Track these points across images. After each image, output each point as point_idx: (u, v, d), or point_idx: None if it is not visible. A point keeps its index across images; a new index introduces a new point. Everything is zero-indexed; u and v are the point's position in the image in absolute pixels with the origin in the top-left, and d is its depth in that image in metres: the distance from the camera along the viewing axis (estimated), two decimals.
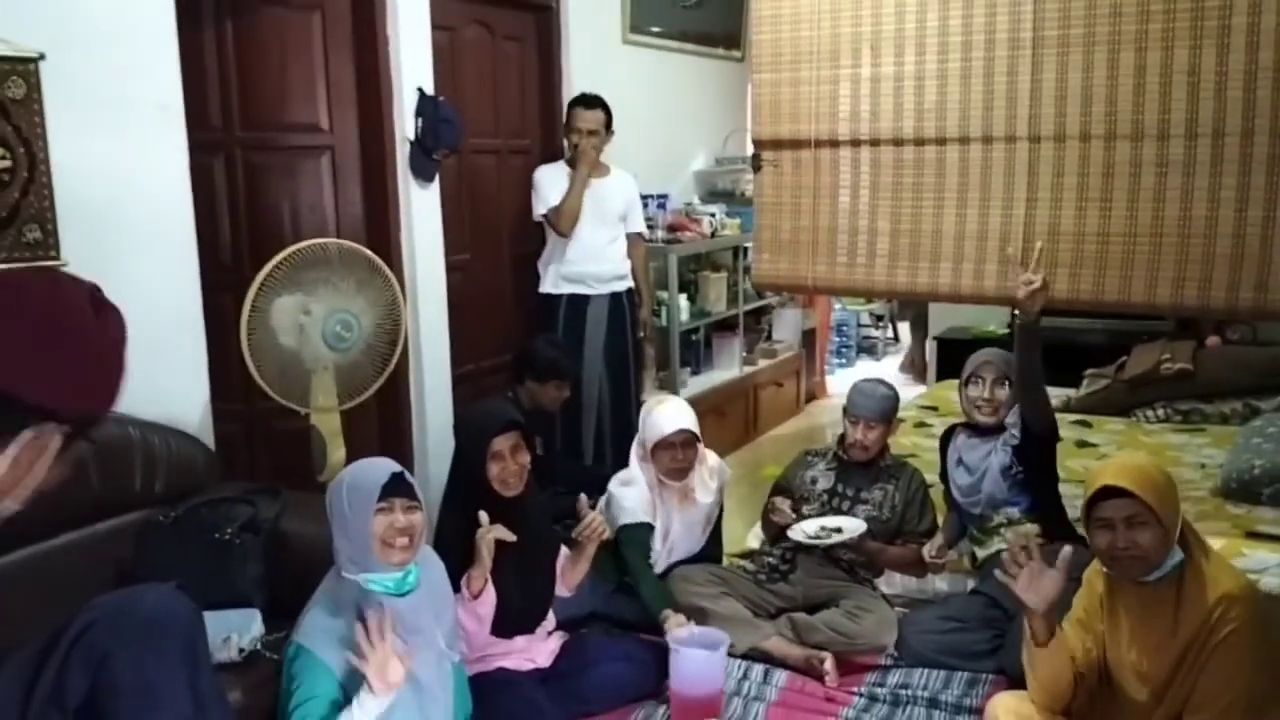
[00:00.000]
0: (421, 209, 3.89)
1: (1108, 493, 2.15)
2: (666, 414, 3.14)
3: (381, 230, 3.82)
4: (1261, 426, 3.85)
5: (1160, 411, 4.65)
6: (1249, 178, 2.72)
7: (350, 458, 3.08)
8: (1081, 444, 4.29)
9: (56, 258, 2.61)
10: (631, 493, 3.16)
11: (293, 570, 2.57)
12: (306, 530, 2.65)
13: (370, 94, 3.75)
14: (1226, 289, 2.77)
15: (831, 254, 3.34)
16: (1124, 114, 2.89)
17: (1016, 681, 2.57)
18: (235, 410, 3.36)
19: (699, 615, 2.99)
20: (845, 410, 3.25)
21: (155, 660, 1.66)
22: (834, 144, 3.34)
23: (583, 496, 2.90)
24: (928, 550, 3.13)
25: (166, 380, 2.87)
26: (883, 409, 3.18)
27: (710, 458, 3.33)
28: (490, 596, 2.59)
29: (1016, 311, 2.88)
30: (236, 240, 3.55)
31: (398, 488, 2.18)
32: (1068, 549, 2.32)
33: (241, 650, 2.31)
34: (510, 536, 2.56)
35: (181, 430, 2.81)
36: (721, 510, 3.43)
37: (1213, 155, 2.77)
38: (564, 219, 4.22)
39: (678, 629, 2.78)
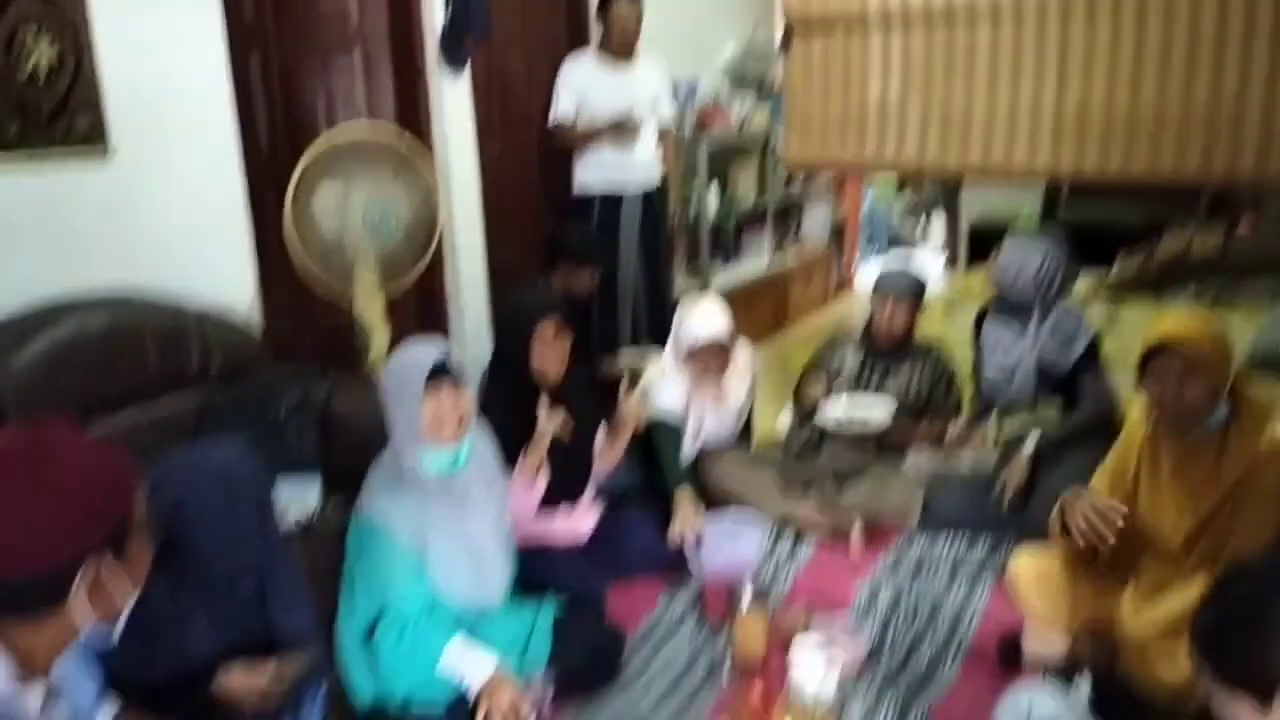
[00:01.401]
0: (453, 101, 3.93)
1: (1161, 347, 2.19)
2: (701, 320, 3.17)
3: (414, 124, 3.86)
4: None
5: (1190, 292, 4.65)
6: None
7: (394, 344, 3.19)
8: (1112, 323, 4.31)
9: (107, 147, 2.69)
10: (667, 390, 3.22)
11: (344, 447, 2.70)
12: (355, 410, 2.77)
13: None
14: (1256, 157, 2.76)
15: (861, 133, 3.35)
16: None
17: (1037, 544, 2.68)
18: (281, 301, 3.47)
19: (731, 489, 3.11)
20: (874, 290, 3.29)
21: (227, 508, 1.78)
22: (864, 22, 3.31)
23: (624, 383, 2.98)
24: (952, 430, 3.21)
25: (216, 267, 2.98)
26: (911, 288, 3.23)
27: (742, 354, 3.38)
28: (543, 477, 2.71)
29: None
30: (274, 134, 3.60)
31: (443, 370, 2.25)
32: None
33: (303, 516, 2.44)
34: (566, 433, 2.66)
35: (232, 317, 2.92)
36: (752, 396, 3.52)
37: (1244, 27, 2.74)
38: (565, 148, 4.24)
39: (694, 520, 2.86)
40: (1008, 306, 3.16)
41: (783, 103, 3.65)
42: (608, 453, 2.96)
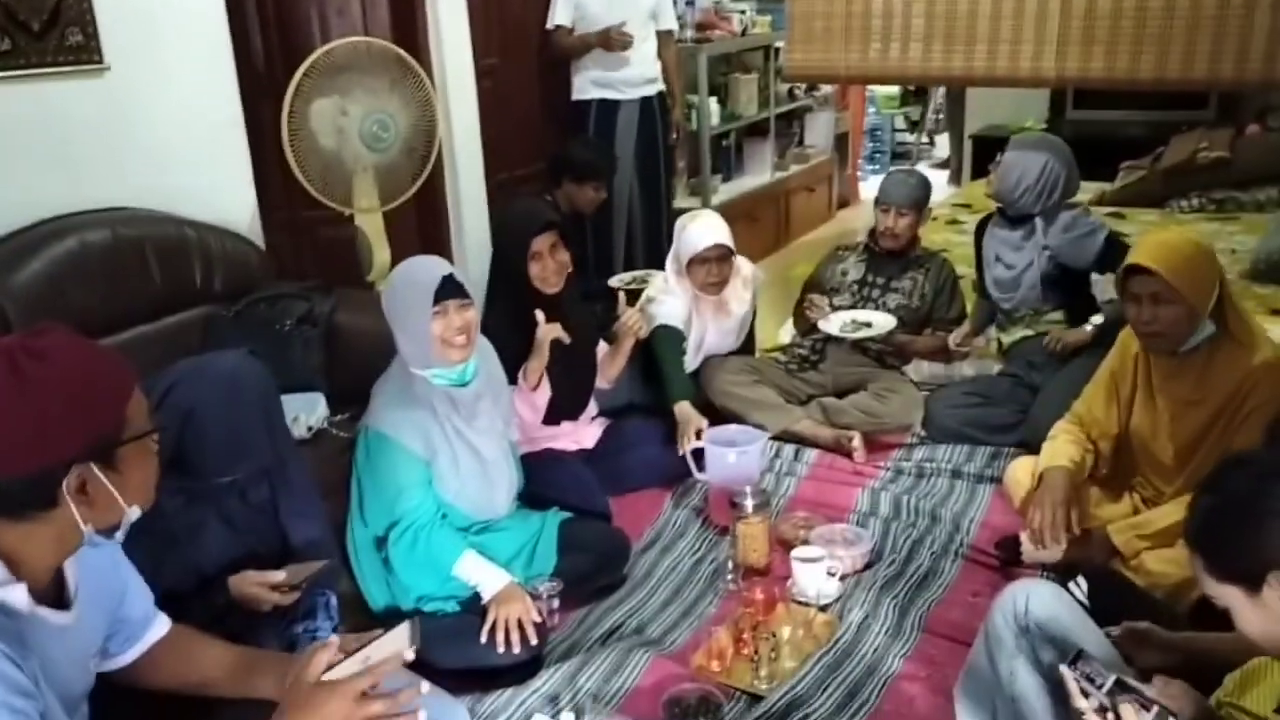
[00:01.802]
0: (448, 12, 3.86)
1: (1137, 268, 2.20)
2: (701, 229, 3.14)
3: (409, 33, 3.80)
4: None
5: (1195, 201, 4.63)
6: None
7: (394, 258, 3.19)
8: (1116, 234, 4.29)
9: (99, 61, 2.66)
10: (668, 304, 3.20)
11: (349, 359, 2.72)
12: (359, 323, 2.79)
13: None
14: (1264, 60, 2.72)
15: (865, 41, 3.30)
16: None
17: (1034, 452, 2.70)
18: (281, 219, 3.46)
19: (732, 403, 3.13)
20: (876, 200, 3.28)
21: (236, 414, 1.80)
22: None
23: (622, 295, 2.98)
24: (953, 338, 3.22)
25: (215, 182, 2.97)
26: (914, 196, 3.21)
27: (744, 267, 3.36)
28: (545, 388, 2.74)
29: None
30: (269, 49, 3.56)
31: (449, 289, 2.24)
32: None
33: (310, 429, 2.47)
34: (566, 338, 2.68)
35: (235, 231, 2.92)
36: (754, 308, 3.52)
37: None
38: (560, 55, 4.17)
39: (695, 429, 2.85)
40: (1009, 216, 3.15)
41: (785, 10, 3.57)
42: (609, 366, 2.98)
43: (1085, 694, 1.48)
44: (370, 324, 2.57)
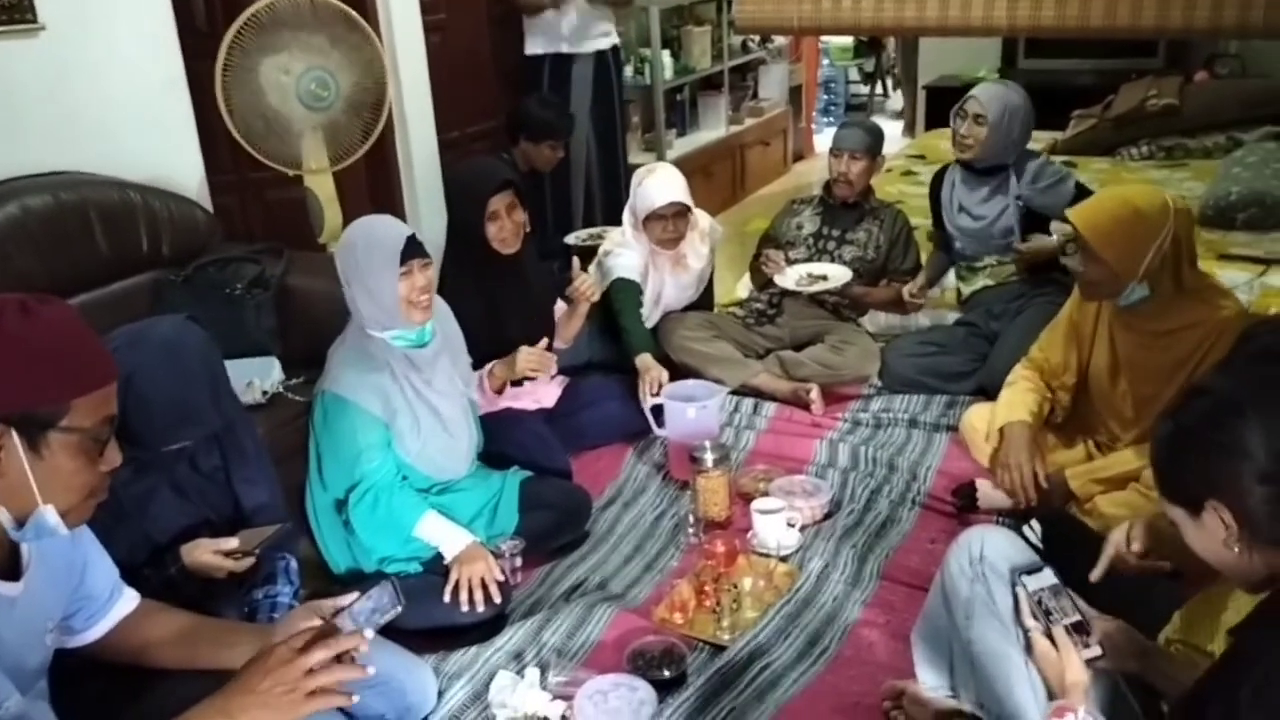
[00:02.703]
0: None
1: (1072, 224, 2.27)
2: (657, 185, 3.11)
3: None
4: (1242, 156, 3.90)
5: (1144, 149, 4.67)
6: None
7: (346, 219, 3.14)
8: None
9: (34, 20, 2.58)
10: (624, 255, 3.19)
11: (303, 322, 2.69)
12: (312, 286, 2.75)
13: None
14: (1212, 9, 2.74)
15: None
16: None
17: (989, 399, 2.74)
18: (229, 181, 3.39)
19: (690, 359, 3.14)
20: (831, 147, 3.27)
21: (178, 379, 1.77)
22: None
23: (575, 259, 2.97)
24: (908, 290, 3.24)
25: (159, 145, 2.90)
26: (866, 141, 3.21)
27: (702, 220, 3.34)
28: (507, 391, 2.73)
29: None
30: (210, 5, 3.47)
31: (413, 248, 2.23)
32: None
33: (265, 393, 2.44)
34: (550, 370, 2.67)
35: (181, 194, 2.86)
36: (712, 263, 3.51)
37: None
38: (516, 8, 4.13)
39: (656, 381, 2.86)
40: (977, 168, 3.10)
41: None
42: (566, 327, 2.97)
43: (1034, 615, 1.54)
44: (323, 286, 2.54)
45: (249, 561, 1.88)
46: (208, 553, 1.83)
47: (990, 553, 1.70)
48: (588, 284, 2.89)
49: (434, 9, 4.07)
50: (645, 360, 2.94)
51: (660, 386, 2.85)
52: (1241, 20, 2.70)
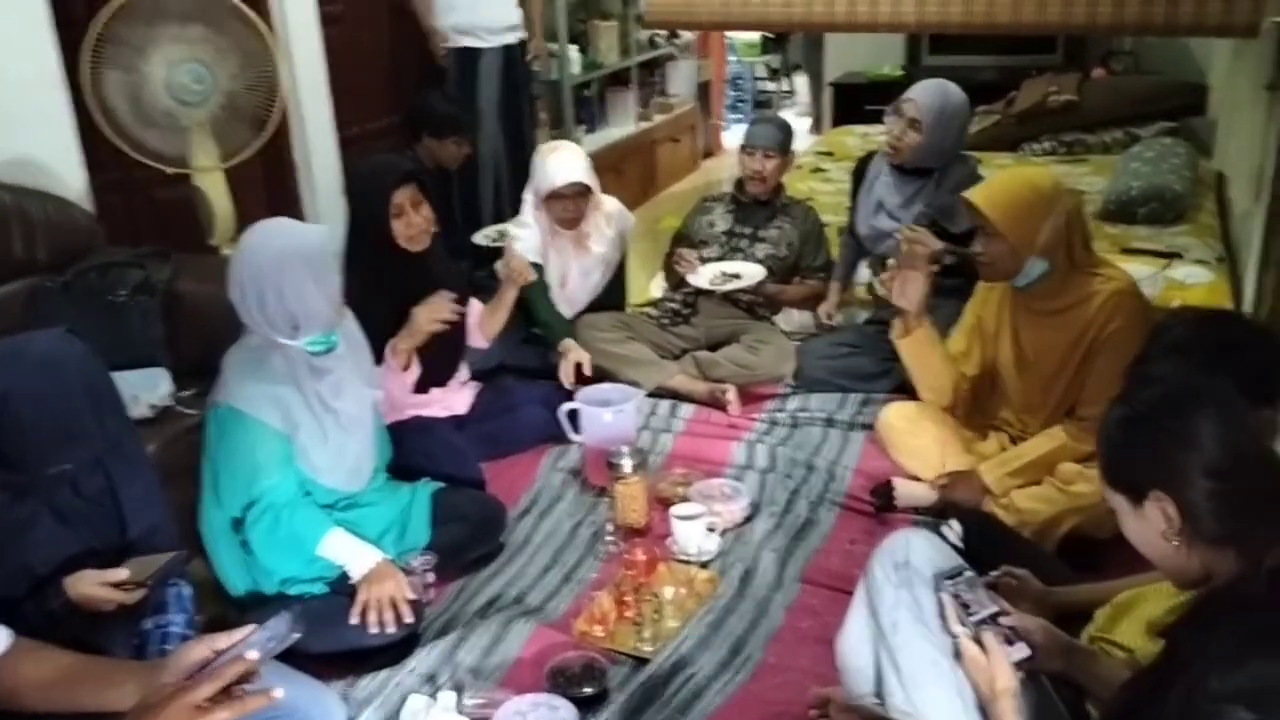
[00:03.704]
0: None
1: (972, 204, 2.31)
2: (558, 163, 3.06)
3: None
4: (1140, 151, 3.99)
5: (1046, 144, 4.76)
6: None
7: (239, 220, 3.00)
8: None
9: None
10: (525, 234, 3.15)
11: (193, 330, 2.55)
12: (203, 291, 2.60)
13: None
14: (1114, 6, 2.78)
15: None
16: None
17: (908, 398, 2.75)
18: (112, 179, 3.20)
19: (605, 361, 3.09)
20: (741, 146, 3.23)
21: (58, 398, 1.64)
22: None
23: (509, 238, 2.95)
24: (823, 313, 3.25)
25: (34, 144, 2.72)
26: (778, 138, 3.18)
27: (608, 204, 3.30)
28: (415, 366, 2.63)
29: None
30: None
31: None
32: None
33: (153, 407, 2.30)
34: (452, 316, 2.56)
35: (58, 196, 2.68)
36: (624, 261, 3.46)
37: None
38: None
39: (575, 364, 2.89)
40: (906, 168, 3.06)
41: None
42: (488, 322, 2.88)
43: (961, 621, 1.52)
44: (215, 291, 2.37)
45: (141, 593, 1.75)
46: (94, 584, 1.70)
47: (915, 558, 1.67)
48: (522, 265, 2.81)
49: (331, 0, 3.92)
50: (567, 343, 2.93)
51: (581, 370, 2.85)
52: (1143, 17, 2.74)
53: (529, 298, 3.05)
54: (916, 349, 2.50)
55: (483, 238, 3.62)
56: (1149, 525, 1.26)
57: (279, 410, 2.12)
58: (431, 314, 2.55)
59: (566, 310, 3.24)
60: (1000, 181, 2.38)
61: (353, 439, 2.24)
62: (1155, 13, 2.73)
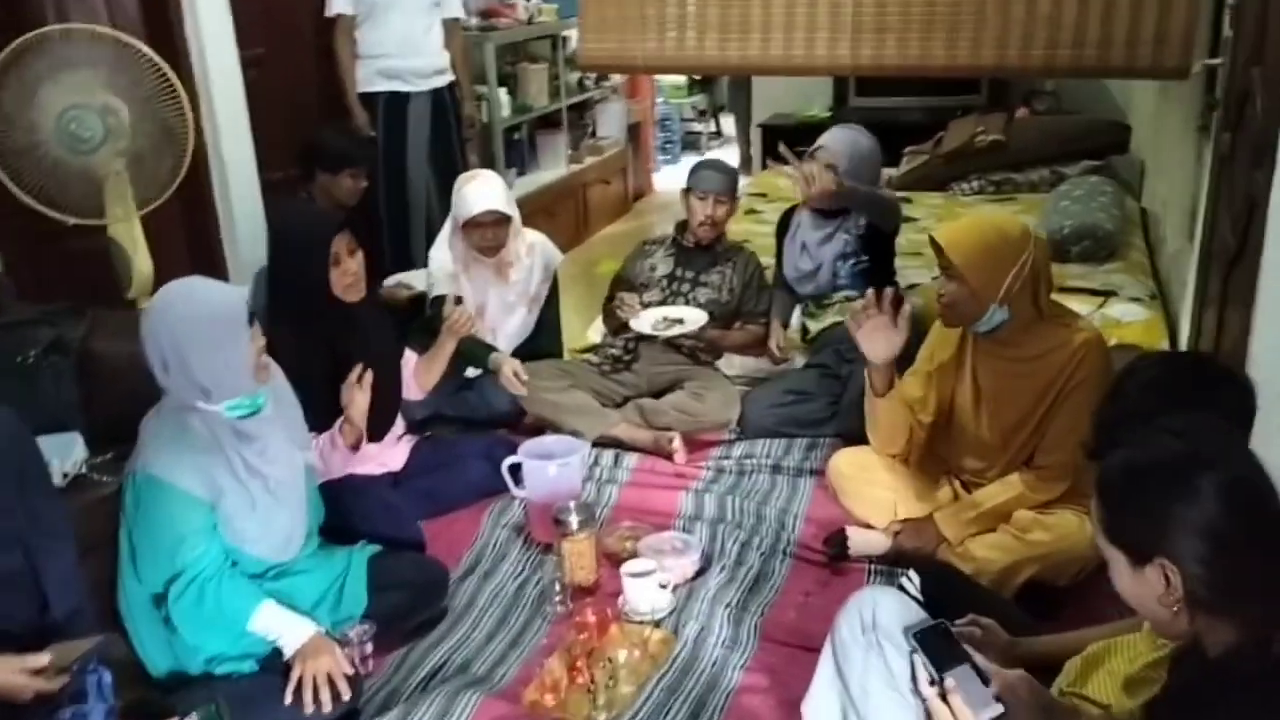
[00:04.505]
0: None
1: (936, 248, 2.28)
2: (475, 192, 3.06)
3: (162, 22, 3.47)
4: (1069, 190, 4.06)
5: (975, 184, 4.82)
6: None
7: (158, 272, 2.86)
8: (904, 218, 4.40)
9: None
10: (438, 257, 3.17)
11: (109, 392, 2.39)
12: (120, 349, 2.43)
13: None
14: (1046, 48, 2.81)
15: (660, 29, 3.20)
16: None
17: (851, 442, 2.72)
18: (19, 229, 3.03)
19: (546, 410, 3.01)
20: (689, 190, 3.18)
21: None
22: None
23: (449, 293, 2.88)
24: (774, 344, 3.21)
25: None
26: (728, 184, 3.17)
27: (531, 235, 3.28)
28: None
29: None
30: None
31: (250, 314, 2.02)
32: (908, 306, 2.39)
33: (66, 475, 2.15)
34: (365, 396, 2.43)
35: None
36: (557, 302, 3.39)
37: None
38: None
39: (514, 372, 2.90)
40: (822, 212, 3.12)
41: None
42: (425, 373, 2.78)
43: (931, 681, 1.46)
44: (132, 349, 2.23)
45: (63, 679, 1.62)
46: (13, 671, 1.58)
47: (883, 618, 1.62)
48: (464, 315, 2.73)
49: (251, 42, 3.81)
50: (497, 357, 2.95)
51: (519, 377, 2.89)
52: (1075, 60, 2.77)
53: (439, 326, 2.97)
54: (891, 407, 2.43)
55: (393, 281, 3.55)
56: (1147, 587, 1.20)
57: (201, 476, 2.00)
58: (354, 397, 2.42)
59: (487, 332, 3.17)
60: (968, 224, 2.35)
61: (283, 506, 2.11)
62: (1087, 55, 2.76)
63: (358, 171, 3.54)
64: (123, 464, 2.08)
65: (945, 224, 2.36)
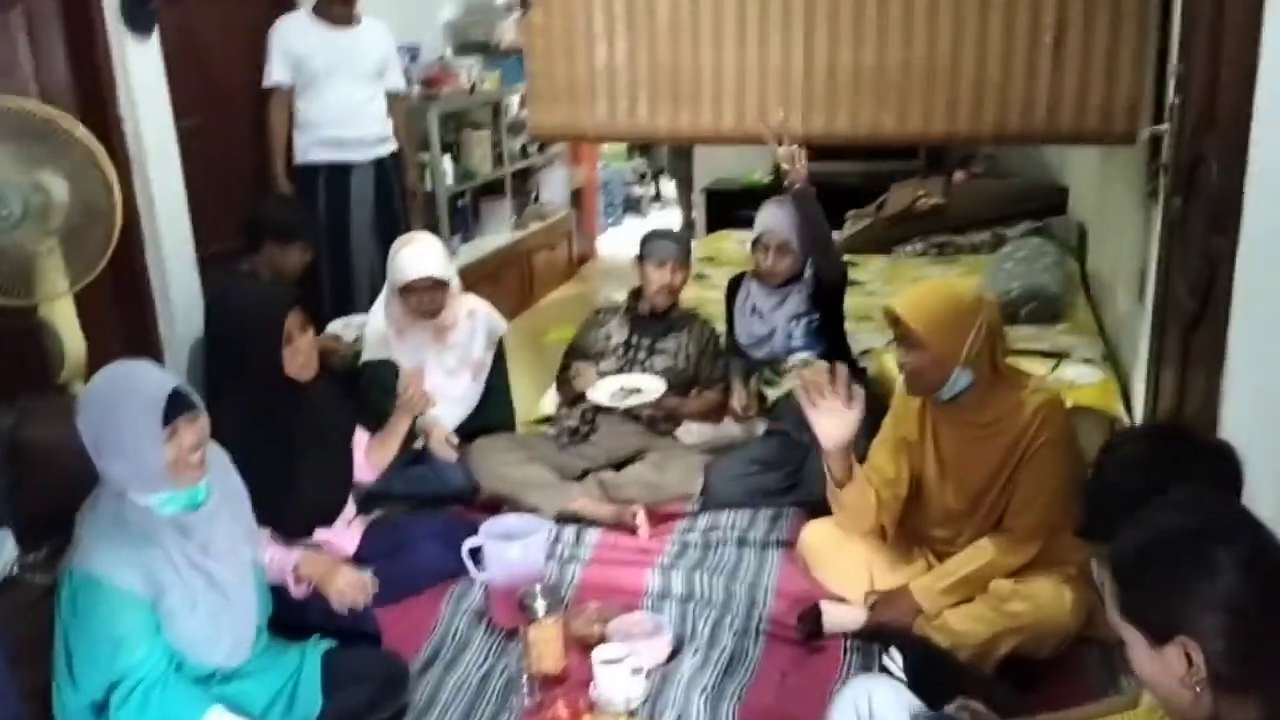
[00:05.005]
0: (140, 67, 3.44)
1: (894, 317, 2.25)
2: (410, 256, 3.02)
3: (95, 94, 3.37)
4: (1011, 252, 4.12)
5: (918, 246, 4.88)
6: (1015, 7, 2.78)
7: (91, 352, 2.73)
8: (851, 282, 4.42)
9: None
10: (373, 319, 3.14)
11: (42, 483, 2.25)
12: (53, 437, 2.29)
13: None
14: (996, 115, 2.85)
15: (611, 99, 3.20)
16: None
17: (813, 511, 2.68)
18: None
19: (504, 486, 2.92)
20: (643, 259, 3.16)
21: None
22: None
23: (405, 369, 2.83)
24: (737, 404, 3.17)
25: None
26: (683, 252, 3.16)
27: (473, 301, 3.23)
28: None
29: (786, 182, 2.88)
30: None
31: (178, 405, 1.88)
32: (860, 388, 2.35)
33: None
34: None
35: None
36: (505, 373, 3.31)
37: None
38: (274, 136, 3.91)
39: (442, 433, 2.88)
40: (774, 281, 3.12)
41: (526, 69, 3.43)
42: (377, 452, 2.67)
43: None
44: (67, 437, 2.09)
45: None
46: None
47: (880, 708, 1.56)
48: (421, 395, 2.64)
49: (188, 112, 3.71)
50: (424, 421, 2.88)
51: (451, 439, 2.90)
52: (1025, 126, 2.82)
53: (375, 390, 2.97)
54: (855, 493, 2.39)
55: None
56: (1168, 668, 1.15)
57: (140, 573, 1.87)
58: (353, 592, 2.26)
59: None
60: (922, 291, 2.34)
61: (230, 606, 1.98)
62: (1036, 122, 2.81)
63: (307, 244, 3.46)
64: (57, 561, 1.95)
65: (899, 294, 2.32)
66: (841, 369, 2.33)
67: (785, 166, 2.84)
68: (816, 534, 2.56)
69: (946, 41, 2.89)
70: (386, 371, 3.03)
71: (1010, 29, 2.83)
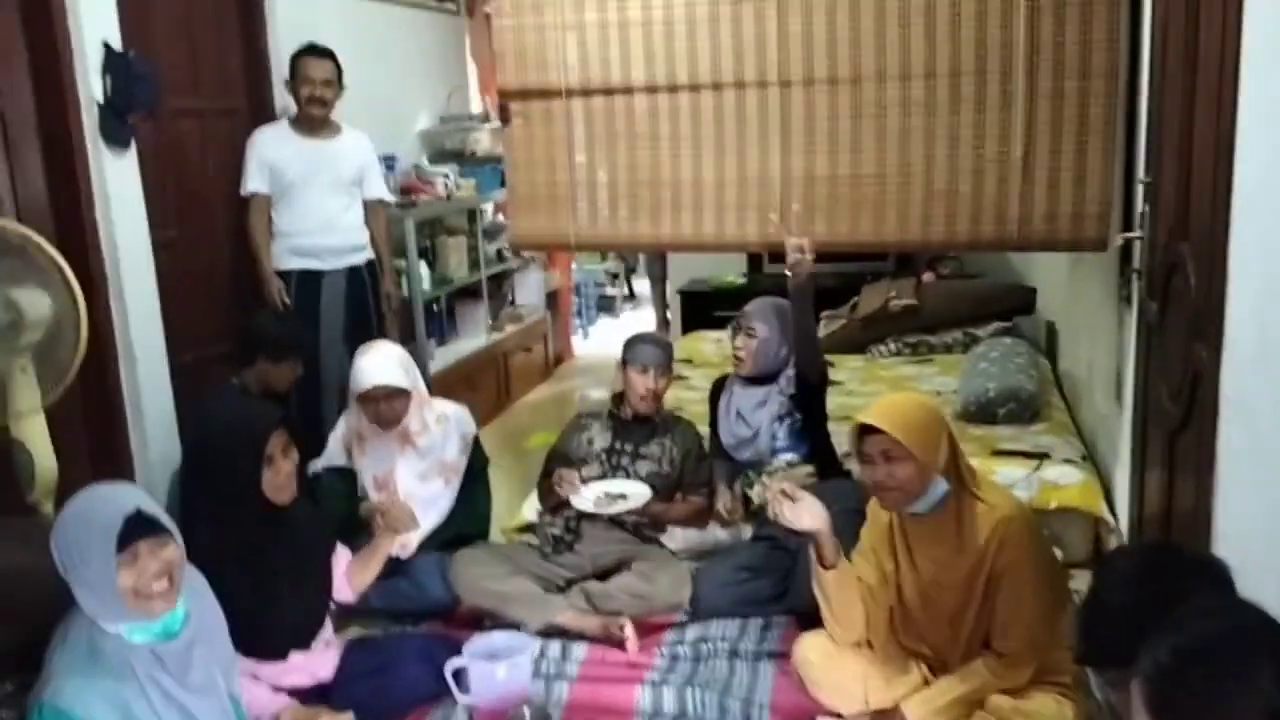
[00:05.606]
0: (118, 181, 3.43)
1: (868, 429, 2.23)
2: (369, 365, 3.00)
3: (72, 208, 3.35)
4: (985, 352, 4.15)
5: (892, 346, 4.92)
6: (984, 115, 2.87)
7: (62, 469, 2.67)
8: (830, 382, 4.44)
9: None
10: (339, 425, 3.13)
11: (11, 612, 2.14)
12: (23, 562, 2.20)
13: (44, 50, 3.24)
14: (970, 223, 2.90)
15: (592, 208, 3.23)
16: (867, 57, 2.96)
17: (803, 619, 2.64)
18: None
19: (486, 600, 2.86)
20: (626, 363, 3.17)
21: None
22: (586, 93, 3.22)
23: (388, 486, 2.80)
24: (723, 507, 3.15)
25: None
26: (666, 357, 3.18)
27: (443, 405, 3.20)
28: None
29: (788, 274, 2.92)
30: None
31: (138, 527, 1.83)
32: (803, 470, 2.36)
33: None
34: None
35: None
36: (485, 481, 3.27)
37: (950, 94, 2.90)
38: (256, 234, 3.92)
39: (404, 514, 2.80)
40: (752, 380, 3.15)
41: (505, 179, 3.48)
42: (362, 571, 2.61)
43: None
44: (38, 561, 2.04)
45: None
46: None
47: None
48: (402, 515, 2.58)
49: (165, 224, 3.71)
50: (368, 507, 2.89)
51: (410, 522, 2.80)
52: (999, 234, 2.88)
53: (328, 504, 2.95)
54: (841, 580, 2.36)
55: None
56: None
57: (114, 708, 1.80)
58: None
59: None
60: (892, 403, 2.33)
61: None
62: (1009, 231, 2.87)
63: (298, 361, 3.45)
64: (26, 694, 1.86)
65: (869, 410, 2.28)
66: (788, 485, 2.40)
67: (794, 257, 2.86)
68: (811, 648, 2.49)
69: (919, 156, 2.96)
70: (339, 480, 3.05)
71: (980, 144, 2.90)
